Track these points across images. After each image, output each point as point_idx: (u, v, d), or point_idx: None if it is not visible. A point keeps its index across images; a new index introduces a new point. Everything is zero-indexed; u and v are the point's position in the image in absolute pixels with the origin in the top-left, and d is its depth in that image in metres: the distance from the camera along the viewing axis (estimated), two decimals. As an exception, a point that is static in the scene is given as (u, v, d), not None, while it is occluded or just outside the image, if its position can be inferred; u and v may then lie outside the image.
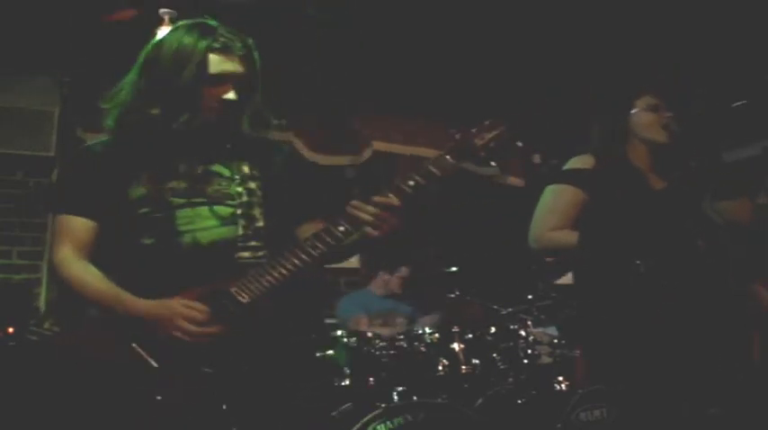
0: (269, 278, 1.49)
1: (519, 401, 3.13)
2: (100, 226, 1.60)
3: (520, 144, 1.64)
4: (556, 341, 3.44)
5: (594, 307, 2.18)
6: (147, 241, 1.56)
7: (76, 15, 3.55)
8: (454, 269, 3.88)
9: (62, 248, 1.58)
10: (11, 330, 2.89)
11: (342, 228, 1.51)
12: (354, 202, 1.51)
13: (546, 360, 3.38)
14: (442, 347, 3.20)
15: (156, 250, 1.55)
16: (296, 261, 1.50)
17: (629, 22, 3.73)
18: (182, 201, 1.58)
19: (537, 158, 5.74)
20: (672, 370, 1.97)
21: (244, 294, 1.48)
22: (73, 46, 3.87)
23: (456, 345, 3.22)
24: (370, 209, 1.49)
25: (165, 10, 3.54)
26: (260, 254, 1.58)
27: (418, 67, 4.39)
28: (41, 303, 3.91)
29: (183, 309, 1.45)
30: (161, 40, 1.65)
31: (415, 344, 3.15)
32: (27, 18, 3.57)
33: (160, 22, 3.57)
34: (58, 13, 3.53)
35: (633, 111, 2.19)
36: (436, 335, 3.21)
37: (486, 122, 1.63)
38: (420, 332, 3.21)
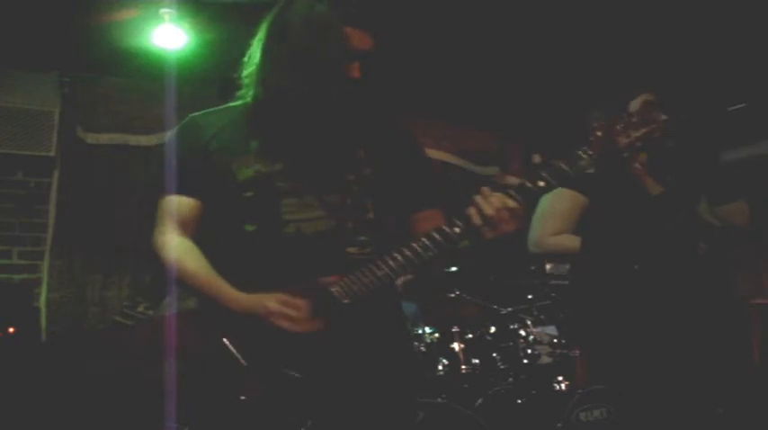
0: (373, 280, 1.38)
1: (519, 401, 3.14)
2: (205, 206, 1.50)
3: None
4: (556, 341, 3.44)
5: (593, 309, 2.19)
6: (250, 228, 1.45)
7: (76, 15, 3.55)
8: (454, 269, 3.88)
9: (166, 228, 1.48)
10: (12, 330, 2.90)
11: (457, 229, 1.37)
12: (476, 198, 1.36)
13: (546, 360, 3.38)
14: (442, 347, 3.21)
15: (258, 238, 1.44)
16: (404, 262, 1.37)
17: (624, 20, 3.73)
18: (289, 186, 1.45)
19: (537, 158, 5.73)
20: (671, 371, 1.97)
21: (346, 295, 1.38)
22: (73, 46, 3.87)
23: (456, 345, 3.23)
24: (489, 208, 1.34)
25: (165, 10, 3.54)
26: (368, 249, 1.46)
27: (418, 67, 4.38)
28: (42, 303, 3.91)
29: (277, 307, 1.36)
30: (287, 5, 1.50)
31: (415, 344, 3.15)
32: (27, 18, 3.57)
33: (160, 23, 3.58)
34: (58, 13, 3.53)
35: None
36: (436, 335, 3.21)
37: (635, 117, 1.42)
38: (420, 332, 3.22)
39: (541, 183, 1.38)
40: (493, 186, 1.39)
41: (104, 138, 4.26)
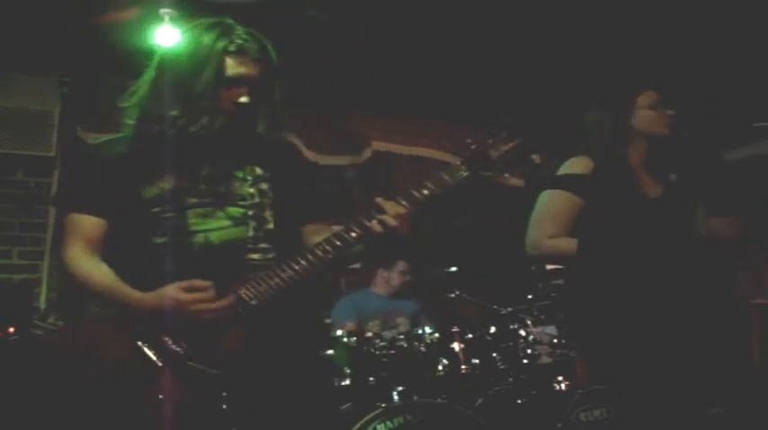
0: (278, 281, 1.49)
1: (519, 401, 3.14)
2: (110, 224, 1.60)
3: (536, 158, 1.62)
4: (556, 341, 3.44)
5: (590, 311, 2.18)
6: (159, 240, 1.55)
7: (76, 15, 3.55)
8: (454, 269, 3.88)
9: (72, 246, 1.58)
10: (12, 329, 2.90)
11: (354, 234, 1.51)
12: (378, 200, 1.52)
13: (546, 360, 3.38)
14: (442, 347, 3.21)
15: (168, 249, 1.55)
16: (306, 264, 1.50)
17: (628, 18, 3.73)
18: (194, 200, 1.58)
19: (537, 158, 5.73)
20: (670, 371, 1.97)
21: (253, 297, 1.48)
22: (73, 46, 3.87)
23: (456, 345, 3.23)
24: (390, 212, 1.50)
25: (165, 10, 3.54)
26: (269, 256, 1.58)
27: (418, 67, 4.39)
28: (42, 303, 3.91)
29: (186, 294, 1.45)
30: (177, 43, 1.65)
31: (415, 344, 3.15)
32: (27, 18, 3.57)
33: (160, 23, 3.58)
34: (58, 13, 3.53)
35: (636, 110, 2.15)
36: (436, 335, 3.21)
37: (503, 134, 1.64)
38: (420, 332, 3.22)
39: (426, 192, 1.56)
40: (385, 195, 1.54)
41: (104, 138, 4.24)
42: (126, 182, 1.59)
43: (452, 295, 3.78)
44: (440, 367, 3.14)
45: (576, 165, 2.16)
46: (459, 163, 1.60)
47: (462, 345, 3.24)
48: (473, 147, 1.62)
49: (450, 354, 3.20)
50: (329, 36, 4.03)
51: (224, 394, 1.43)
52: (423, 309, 4.24)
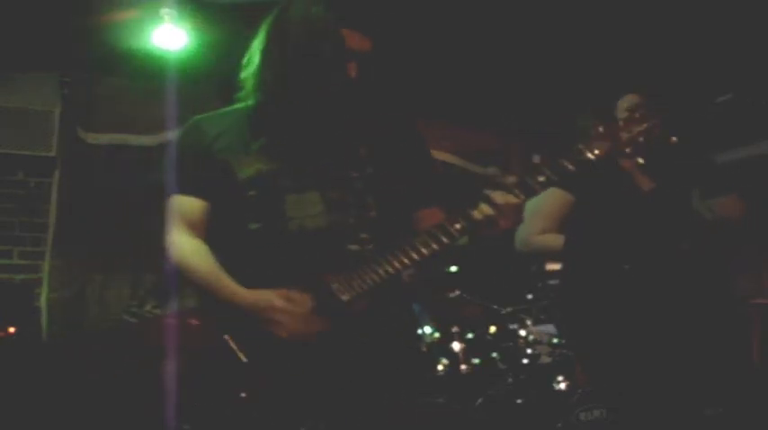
0: (374, 276, 1.39)
1: (519, 401, 3.14)
2: (211, 206, 1.53)
3: (675, 139, 1.47)
4: (556, 341, 3.44)
5: (585, 310, 2.17)
6: (253, 226, 1.47)
7: (77, 15, 3.55)
8: (454, 269, 3.88)
9: (174, 229, 1.51)
10: (12, 330, 2.90)
11: (458, 226, 1.38)
12: (487, 191, 1.38)
13: (546, 360, 3.38)
14: (441, 347, 3.21)
15: (262, 236, 1.46)
16: (405, 259, 1.38)
17: (624, 20, 3.73)
18: (291, 184, 1.47)
19: (537, 158, 5.74)
20: (670, 371, 1.97)
21: (345, 291, 1.38)
22: (73, 46, 3.87)
23: (456, 345, 3.23)
24: (489, 209, 1.37)
25: (166, 10, 3.54)
26: (369, 247, 1.46)
27: (418, 67, 4.38)
28: (42, 303, 3.91)
29: (283, 304, 1.38)
30: (286, 8, 1.53)
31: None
32: (27, 18, 3.57)
33: (160, 23, 3.58)
34: (59, 12, 3.53)
35: (617, 113, 2.18)
36: (436, 335, 3.21)
37: (637, 114, 1.46)
38: (420, 332, 3.22)
39: (541, 179, 1.40)
40: (492, 185, 1.40)
41: (104, 138, 4.26)
42: (224, 161, 1.50)
43: (452, 295, 3.78)
44: (440, 367, 3.15)
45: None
46: (581, 146, 1.42)
47: (462, 345, 3.24)
48: (600, 129, 1.44)
49: (450, 354, 3.20)
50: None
51: (307, 396, 1.36)
52: (424, 308, 4.23)
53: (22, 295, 3.80)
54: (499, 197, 1.37)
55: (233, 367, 1.37)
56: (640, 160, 1.48)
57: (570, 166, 1.41)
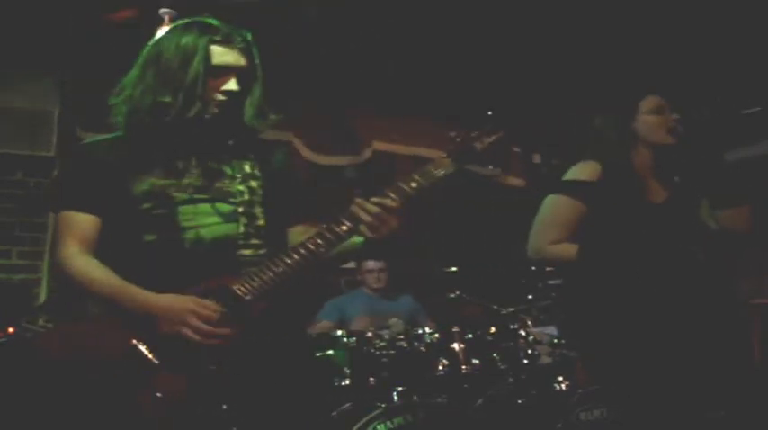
0: (270, 275, 1.49)
1: (519, 401, 3.13)
2: (103, 221, 1.60)
3: (517, 149, 1.68)
4: (556, 341, 3.44)
5: (594, 316, 2.17)
6: (150, 238, 1.56)
7: (76, 15, 3.55)
8: (454, 269, 3.87)
9: (66, 244, 1.57)
10: (11, 330, 2.89)
11: (344, 227, 1.51)
12: (358, 201, 1.51)
13: (546, 360, 3.38)
14: (441, 347, 3.20)
15: (159, 247, 1.55)
16: (298, 259, 1.50)
17: (630, 22, 3.73)
18: (184, 197, 1.58)
19: (537, 158, 5.74)
20: (671, 371, 1.97)
21: (246, 292, 1.48)
22: (73, 46, 3.87)
23: (456, 345, 3.23)
24: (371, 208, 1.49)
25: (165, 10, 3.54)
26: (261, 252, 1.58)
27: (418, 66, 4.39)
28: (41, 303, 3.91)
29: (198, 308, 1.45)
30: (160, 39, 1.67)
31: (415, 344, 3.15)
32: (27, 18, 3.57)
33: (160, 23, 3.58)
34: (58, 13, 3.53)
35: (638, 115, 2.15)
36: (436, 335, 3.21)
37: (487, 126, 1.66)
38: (420, 332, 3.22)
39: (414, 184, 1.56)
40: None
41: (94, 137, 4.24)
42: (115, 178, 1.59)
43: (452, 295, 3.77)
44: (440, 367, 3.14)
45: (582, 171, 2.16)
46: (444, 156, 1.62)
47: (462, 345, 3.23)
48: (458, 140, 1.65)
49: (451, 354, 3.20)
50: (330, 35, 4.03)
51: (221, 392, 1.42)
52: (422, 306, 4.22)
53: (21, 295, 3.79)
54: (378, 199, 1.51)
55: (146, 369, 1.41)
56: (491, 167, 1.69)
57: (435, 171, 1.59)
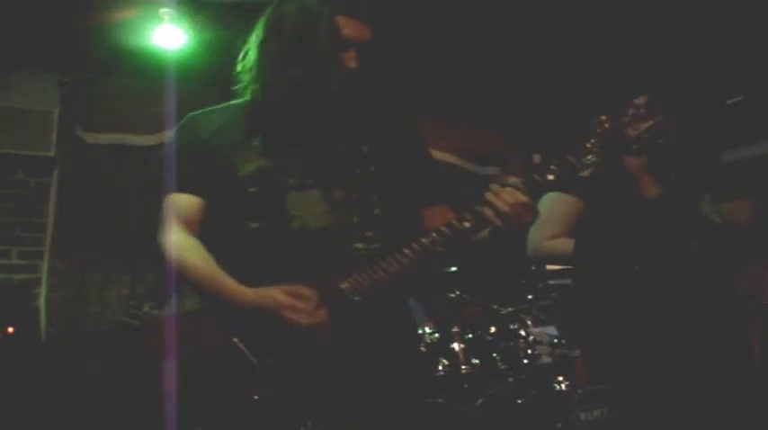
0: (383, 275, 1.36)
1: (519, 401, 3.13)
2: (209, 204, 1.49)
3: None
4: (556, 341, 3.44)
5: (592, 311, 2.19)
6: (254, 224, 1.43)
7: (76, 15, 3.55)
8: (454, 269, 3.87)
9: (170, 228, 1.47)
10: (11, 330, 2.90)
11: (467, 224, 1.36)
12: (488, 194, 1.36)
13: (546, 360, 3.38)
14: (441, 347, 3.20)
15: (263, 235, 1.43)
16: (413, 257, 1.36)
17: (624, 19, 3.72)
18: (293, 181, 1.44)
19: (537, 158, 5.73)
20: (671, 371, 1.97)
21: (355, 292, 1.36)
22: (73, 46, 3.87)
23: (456, 345, 3.23)
24: (502, 204, 1.34)
25: (165, 10, 3.54)
26: (375, 245, 1.43)
27: (419, 67, 4.38)
28: (41, 303, 3.91)
29: (287, 299, 1.35)
30: (281, 2, 1.51)
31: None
32: (27, 18, 3.57)
33: (160, 23, 3.58)
34: (58, 13, 3.52)
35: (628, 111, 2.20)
36: (436, 335, 3.21)
37: (642, 110, 1.43)
38: (420, 332, 3.21)
39: (550, 177, 1.38)
40: (501, 183, 1.39)
41: (104, 138, 4.26)
42: (223, 157, 1.47)
43: (452, 295, 3.77)
44: (440, 367, 3.14)
45: None
46: (588, 144, 1.38)
47: (462, 345, 3.23)
48: (606, 125, 1.40)
49: (451, 354, 3.19)
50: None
51: (319, 397, 1.35)
52: (422, 307, 4.22)
53: (21, 295, 3.79)
54: (508, 195, 1.35)
55: (245, 369, 1.35)
56: (643, 156, 1.45)
57: (576, 162, 1.39)
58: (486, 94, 4.71)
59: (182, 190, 1.50)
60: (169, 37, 3.64)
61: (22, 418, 2.92)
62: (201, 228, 1.49)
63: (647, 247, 2.02)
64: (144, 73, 4.04)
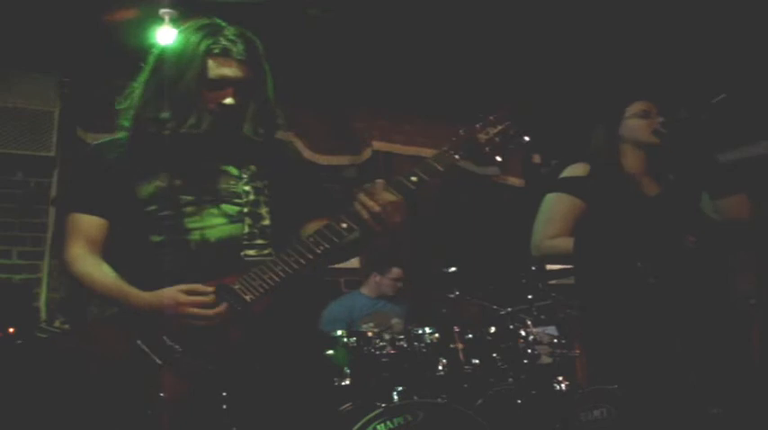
0: (272, 275, 1.50)
1: (519, 401, 3.13)
2: (110, 223, 1.62)
3: (527, 139, 1.62)
4: (556, 341, 3.44)
5: (594, 309, 2.20)
6: (156, 239, 1.57)
7: (76, 15, 3.55)
8: (454, 269, 3.88)
9: (74, 246, 1.59)
10: (12, 330, 2.90)
11: (344, 225, 1.50)
12: (360, 196, 1.49)
13: (546, 360, 3.38)
14: (441, 347, 3.20)
15: (165, 248, 1.57)
16: (299, 259, 1.50)
17: (624, 21, 3.73)
18: (190, 198, 1.60)
19: (537, 158, 5.74)
20: (671, 370, 1.97)
21: (247, 292, 1.48)
22: (73, 46, 3.87)
23: (456, 345, 3.23)
24: (373, 205, 1.47)
25: (165, 10, 3.55)
26: (265, 252, 1.59)
27: (419, 66, 4.39)
28: (41, 303, 3.91)
29: (185, 297, 1.46)
30: (164, 46, 1.67)
31: (415, 344, 3.15)
32: (27, 18, 3.57)
33: (160, 23, 3.58)
34: (58, 13, 3.53)
35: (624, 119, 2.24)
36: (436, 335, 3.21)
37: (491, 117, 1.62)
38: (420, 332, 3.22)
39: (414, 179, 1.53)
40: (367, 188, 1.51)
41: (102, 139, 4.25)
42: (123, 181, 1.61)
43: (452, 295, 3.77)
44: (440, 367, 3.14)
45: (575, 170, 2.26)
46: (447, 148, 1.59)
47: (462, 345, 3.24)
48: (462, 132, 1.62)
49: (451, 354, 3.20)
50: (330, 35, 4.03)
51: (223, 391, 1.43)
52: (413, 310, 4.25)
53: (21, 295, 3.79)
54: (378, 196, 1.48)
55: (149, 370, 1.43)
56: (498, 158, 1.65)
57: (436, 165, 1.55)
58: (487, 94, 4.72)
59: (84, 211, 1.62)
60: (169, 37, 3.64)
61: (22, 418, 2.92)
62: (104, 245, 1.62)
63: (648, 245, 2.03)
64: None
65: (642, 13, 3.64)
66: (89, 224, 1.61)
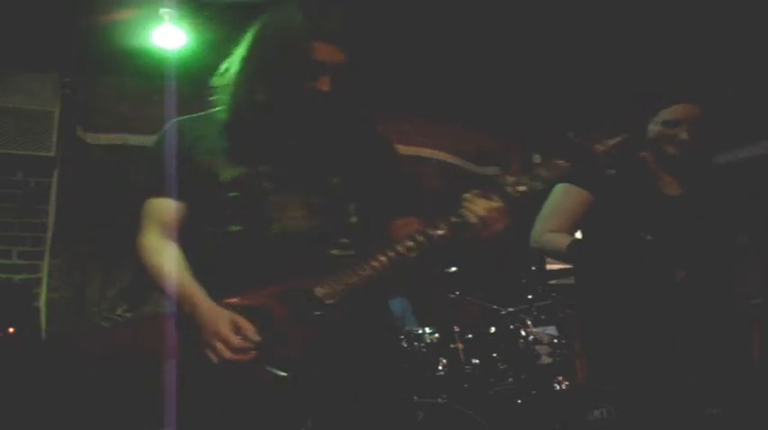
0: (356, 280, 1.40)
1: (519, 401, 3.13)
2: (188, 208, 1.53)
3: (644, 153, 1.49)
4: (556, 341, 3.44)
5: (595, 308, 2.19)
6: (234, 228, 1.46)
7: (76, 15, 3.55)
8: (454, 269, 3.87)
9: (147, 232, 1.53)
10: (12, 330, 2.90)
11: (440, 232, 1.39)
12: (467, 197, 1.40)
13: (546, 360, 3.38)
14: (441, 347, 3.20)
15: (243, 238, 1.46)
16: (386, 262, 1.40)
17: (624, 21, 3.73)
18: (273, 187, 1.48)
19: (537, 158, 5.73)
20: (671, 370, 1.97)
21: (329, 296, 1.39)
22: (73, 46, 3.87)
23: (456, 345, 3.23)
24: (479, 210, 1.37)
25: (165, 9, 3.54)
26: (350, 251, 1.48)
27: (419, 66, 4.38)
28: (41, 303, 3.90)
29: (227, 331, 1.36)
30: (267, 21, 1.55)
31: (415, 344, 3.15)
32: (27, 18, 3.57)
33: (160, 23, 3.58)
34: (58, 13, 3.53)
35: (654, 119, 2.16)
36: (436, 335, 3.21)
37: (608, 127, 1.51)
38: (420, 332, 3.22)
39: (521, 188, 1.42)
40: (486, 188, 1.42)
41: (104, 138, 4.26)
42: (205, 163, 1.51)
43: (452, 295, 3.77)
44: (440, 367, 3.14)
45: None
46: (558, 156, 1.46)
47: (462, 345, 3.24)
48: (575, 140, 1.49)
49: (451, 354, 3.20)
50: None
51: (295, 396, 1.37)
52: (412, 307, 4.23)
53: (21, 295, 3.79)
54: (480, 203, 1.38)
55: (217, 371, 1.36)
56: (611, 171, 1.57)
57: (548, 174, 1.45)
58: (486, 94, 4.72)
59: (162, 194, 1.53)
60: (169, 37, 3.64)
61: (22, 418, 2.92)
62: (181, 232, 1.53)
63: (664, 244, 2.00)
64: (144, 73, 4.04)
65: (642, 14, 3.64)
66: (165, 207, 1.52)
